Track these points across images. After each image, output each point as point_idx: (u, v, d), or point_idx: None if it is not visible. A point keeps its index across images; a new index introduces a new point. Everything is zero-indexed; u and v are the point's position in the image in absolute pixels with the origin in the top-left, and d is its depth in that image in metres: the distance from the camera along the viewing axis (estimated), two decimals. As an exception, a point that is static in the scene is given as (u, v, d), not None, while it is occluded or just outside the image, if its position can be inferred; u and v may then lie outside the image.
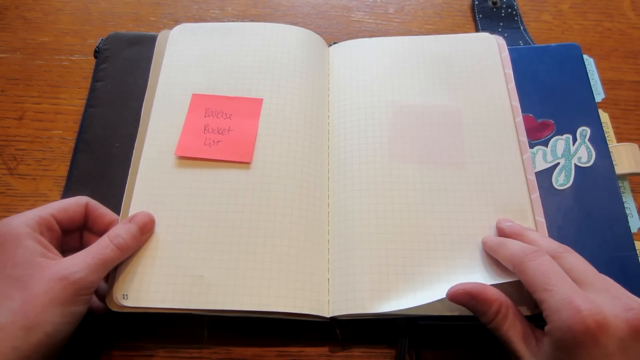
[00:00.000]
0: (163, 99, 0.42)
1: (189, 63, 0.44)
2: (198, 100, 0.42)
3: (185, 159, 0.39)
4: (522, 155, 0.39)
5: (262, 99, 0.42)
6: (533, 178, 0.38)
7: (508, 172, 0.39)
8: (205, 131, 0.40)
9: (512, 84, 0.42)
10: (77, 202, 0.35)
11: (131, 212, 0.37)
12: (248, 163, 0.39)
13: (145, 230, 0.36)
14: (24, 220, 0.32)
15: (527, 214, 0.37)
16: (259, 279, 0.35)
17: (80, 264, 0.31)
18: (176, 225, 0.37)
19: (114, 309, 0.34)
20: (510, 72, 0.43)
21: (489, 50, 0.44)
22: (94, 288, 0.31)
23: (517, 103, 0.41)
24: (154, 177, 0.39)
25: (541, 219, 0.37)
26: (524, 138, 0.40)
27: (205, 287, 0.35)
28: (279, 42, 0.44)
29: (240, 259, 0.36)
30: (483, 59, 0.44)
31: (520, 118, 0.40)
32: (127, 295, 0.34)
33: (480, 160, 0.39)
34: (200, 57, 0.44)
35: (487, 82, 0.43)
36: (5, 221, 0.32)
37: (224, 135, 0.40)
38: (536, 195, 0.38)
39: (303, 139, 0.40)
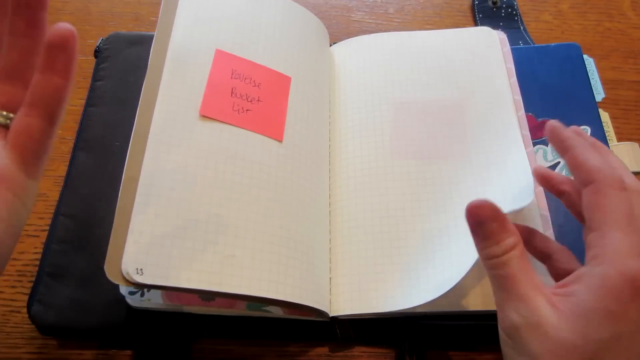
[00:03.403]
0: (179, 52, 0.37)
1: (211, 15, 0.39)
2: (223, 58, 0.38)
3: (209, 120, 0.35)
4: (525, 149, 0.39)
5: (290, 78, 0.40)
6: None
7: (512, 164, 0.38)
8: (233, 95, 0.37)
9: (514, 78, 0.42)
10: None
11: (143, 186, 0.31)
12: (280, 141, 0.37)
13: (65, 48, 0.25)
14: None
15: (532, 207, 0.37)
16: (277, 264, 0.33)
17: None
18: (200, 193, 0.33)
19: (120, 283, 0.29)
20: (511, 66, 0.42)
21: (490, 43, 0.43)
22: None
23: (519, 97, 0.41)
24: (170, 134, 0.34)
25: (546, 212, 0.37)
26: (527, 132, 0.39)
27: (238, 269, 0.31)
28: (304, 26, 0.43)
29: (266, 242, 0.33)
30: (484, 52, 0.43)
31: (522, 112, 0.40)
32: (142, 270, 0.29)
33: (484, 151, 0.39)
34: (224, 10, 0.40)
35: (489, 74, 0.42)
36: None
37: (253, 105, 0.37)
38: (540, 189, 0.37)
39: (316, 132, 0.40)
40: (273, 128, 0.37)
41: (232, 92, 0.37)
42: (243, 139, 0.36)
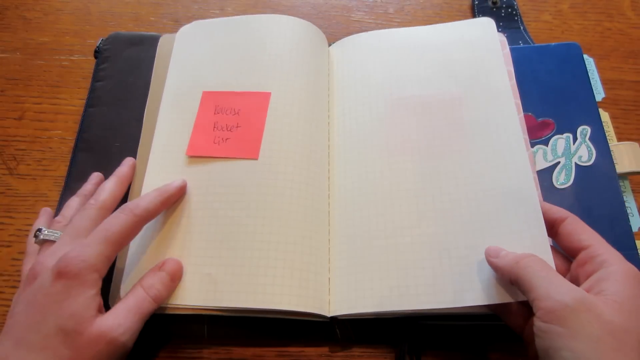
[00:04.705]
0: (173, 99, 0.42)
1: (200, 60, 0.43)
2: (208, 98, 0.41)
3: (195, 158, 0.39)
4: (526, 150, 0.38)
5: (269, 93, 0.41)
6: (535, 175, 0.38)
7: (512, 161, 0.37)
8: (215, 129, 0.40)
9: (513, 81, 0.41)
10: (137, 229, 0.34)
11: None
12: (255, 159, 0.39)
13: (176, 277, 0.35)
14: (94, 261, 0.30)
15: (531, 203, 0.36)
16: (264, 276, 0.35)
17: (125, 323, 0.30)
18: (187, 224, 0.37)
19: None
20: (511, 69, 0.42)
21: (488, 33, 0.43)
22: (133, 343, 0.31)
23: (518, 101, 0.41)
24: (163, 176, 0.38)
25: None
26: (525, 135, 0.39)
27: (212, 285, 0.35)
28: (287, 35, 0.44)
29: (246, 257, 0.35)
30: (483, 42, 0.42)
31: (521, 115, 0.40)
32: None
33: (483, 146, 0.38)
34: (210, 53, 0.44)
35: (488, 65, 0.41)
36: (80, 258, 0.30)
37: (232, 132, 0.40)
38: (538, 192, 0.37)
39: (310, 135, 0.40)
40: (248, 149, 0.39)
41: (214, 127, 0.40)
42: (223, 166, 0.39)
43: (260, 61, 0.42)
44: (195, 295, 0.34)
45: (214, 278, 0.35)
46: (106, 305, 0.33)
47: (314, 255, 0.36)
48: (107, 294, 0.35)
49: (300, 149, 0.39)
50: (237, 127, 0.40)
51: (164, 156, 0.39)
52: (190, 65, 0.43)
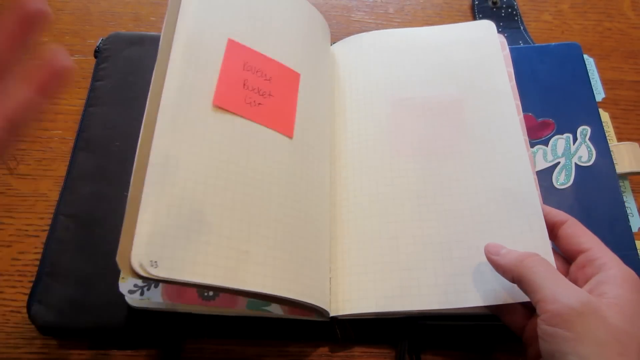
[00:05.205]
0: (192, 38, 0.35)
1: (223, 3, 0.38)
2: (235, 49, 0.37)
3: (222, 111, 0.34)
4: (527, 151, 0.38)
5: (299, 74, 0.40)
6: (535, 176, 0.38)
7: (512, 162, 0.37)
8: (245, 87, 0.36)
9: (513, 82, 0.41)
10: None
11: (153, 174, 0.29)
12: (290, 138, 0.36)
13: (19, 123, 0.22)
14: None
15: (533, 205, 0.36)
16: (288, 262, 0.33)
17: None
18: (214, 185, 0.32)
19: (132, 276, 0.27)
20: (511, 70, 0.42)
21: (488, 36, 0.43)
22: None
23: (518, 102, 0.41)
24: (185, 127, 0.32)
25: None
26: (525, 136, 0.39)
27: (252, 266, 0.31)
28: (311, 23, 0.43)
29: (278, 239, 0.33)
30: (483, 45, 0.43)
31: (521, 116, 0.40)
32: (156, 262, 0.27)
33: (484, 148, 0.38)
34: (235, 1, 0.39)
35: (489, 68, 0.42)
36: None
37: (265, 99, 0.36)
38: (538, 193, 0.37)
39: (329, 128, 0.41)
40: (284, 124, 0.36)
41: (244, 85, 0.36)
42: (255, 132, 0.35)
43: (282, 35, 0.40)
44: (231, 274, 0.30)
45: (253, 258, 0.31)
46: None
47: (319, 254, 0.36)
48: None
49: (316, 143, 0.39)
50: (269, 95, 0.36)
51: (182, 103, 0.32)
52: (212, 7, 0.37)
